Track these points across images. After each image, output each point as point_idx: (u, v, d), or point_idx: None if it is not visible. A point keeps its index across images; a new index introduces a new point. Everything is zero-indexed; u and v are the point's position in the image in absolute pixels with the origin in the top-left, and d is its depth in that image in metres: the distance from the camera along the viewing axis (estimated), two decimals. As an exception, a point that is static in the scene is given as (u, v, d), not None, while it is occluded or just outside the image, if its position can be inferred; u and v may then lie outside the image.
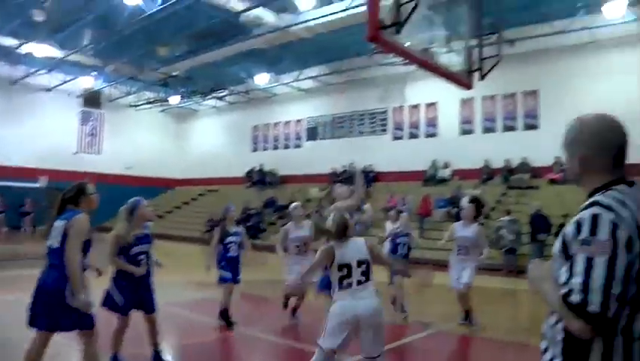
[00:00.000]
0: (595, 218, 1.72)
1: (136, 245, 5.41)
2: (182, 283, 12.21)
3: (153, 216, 5.20)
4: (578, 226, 1.75)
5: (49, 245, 4.29)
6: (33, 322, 4.26)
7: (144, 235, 5.57)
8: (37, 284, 4.25)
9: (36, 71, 26.18)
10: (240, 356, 6.47)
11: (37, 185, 26.10)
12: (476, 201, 17.34)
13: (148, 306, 5.54)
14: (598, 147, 1.88)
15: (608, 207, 1.73)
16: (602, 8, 16.47)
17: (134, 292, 5.40)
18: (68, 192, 4.50)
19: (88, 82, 27.91)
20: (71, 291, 4.10)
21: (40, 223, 27.77)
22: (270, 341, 6.77)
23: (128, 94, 31.09)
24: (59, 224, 4.27)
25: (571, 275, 1.71)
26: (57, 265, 4.16)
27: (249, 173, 29.41)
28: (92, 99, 31.21)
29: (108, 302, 5.35)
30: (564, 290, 1.71)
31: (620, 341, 1.70)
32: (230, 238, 7.43)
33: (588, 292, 1.64)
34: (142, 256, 5.48)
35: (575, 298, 1.66)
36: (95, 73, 26.63)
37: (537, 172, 19.60)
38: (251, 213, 24.10)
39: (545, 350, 1.87)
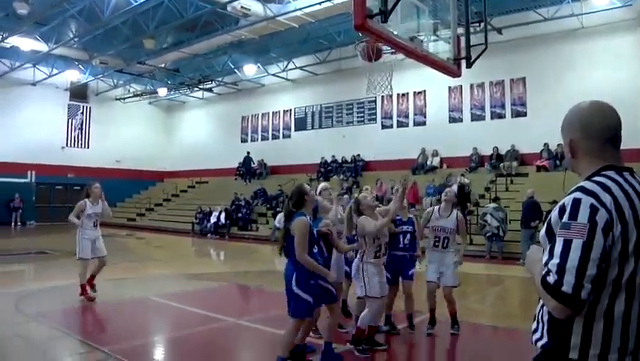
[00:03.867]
0: (576, 202, 1.77)
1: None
2: (174, 275, 12.22)
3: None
4: (561, 210, 1.80)
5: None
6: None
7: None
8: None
9: (21, 64, 25.91)
10: (233, 346, 6.50)
11: (25, 180, 25.92)
12: (461, 189, 17.49)
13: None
14: (584, 130, 1.92)
15: (590, 192, 1.77)
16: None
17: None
18: (292, 198, 5.14)
19: (74, 75, 27.68)
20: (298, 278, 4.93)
21: (29, 218, 27.68)
22: (264, 331, 6.79)
23: (115, 87, 30.86)
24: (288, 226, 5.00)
25: (550, 257, 1.77)
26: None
27: (240, 166, 29.31)
28: (78, 93, 30.95)
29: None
30: (543, 271, 1.77)
31: (601, 324, 1.75)
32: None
33: (563, 273, 1.70)
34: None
35: (551, 278, 1.72)
36: (82, 66, 26.41)
37: (525, 159, 19.73)
38: (240, 204, 24.08)
39: (535, 330, 1.93)
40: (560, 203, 1.82)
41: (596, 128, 1.90)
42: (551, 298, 1.72)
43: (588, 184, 1.81)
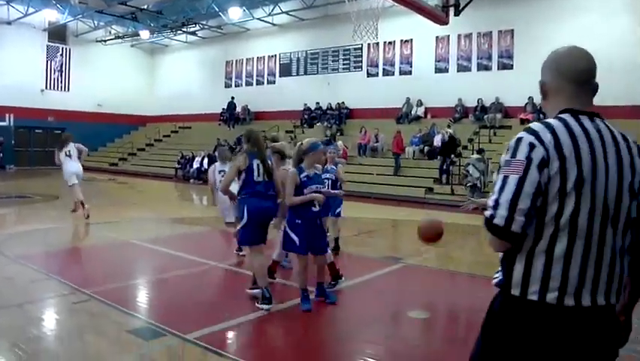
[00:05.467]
0: (518, 141, 1.81)
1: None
2: (156, 219, 12.25)
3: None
4: (508, 149, 1.85)
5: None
6: None
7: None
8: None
9: (-6, 1, 25.02)
10: (213, 288, 6.59)
11: (4, 124, 25.44)
12: (451, 139, 17.66)
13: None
14: (555, 72, 1.93)
15: (533, 131, 1.81)
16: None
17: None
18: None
19: (52, 15, 26.82)
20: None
21: (9, 163, 27.31)
22: (245, 275, 6.88)
23: (96, 28, 30.00)
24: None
25: (492, 194, 1.83)
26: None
27: (224, 111, 29.04)
28: (57, 34, 30.07)
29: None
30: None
31: (541, 262, 1.80)
32: None
33: (497, 207, 1.78)
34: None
35: (487, 213, 1.81)
36: (60, 5, 25.57)
37: (510, 112, 19.76)
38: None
39: (496, 272, 1.99)
40: (508, 143, 1.86)
41: (565, 70, 1.91)
42: (487, 231, 1.80)
43: (535, 125, 1.84)
